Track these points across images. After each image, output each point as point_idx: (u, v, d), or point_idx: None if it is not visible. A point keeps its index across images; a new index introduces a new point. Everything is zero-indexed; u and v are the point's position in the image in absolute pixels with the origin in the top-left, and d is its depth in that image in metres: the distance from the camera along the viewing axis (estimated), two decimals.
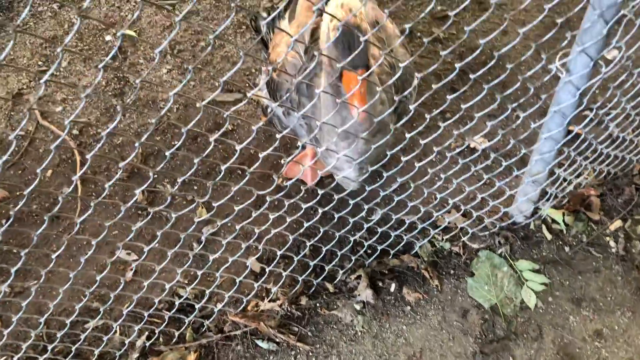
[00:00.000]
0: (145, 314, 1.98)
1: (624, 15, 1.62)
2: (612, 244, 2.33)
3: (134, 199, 1.60)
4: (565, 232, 2.35)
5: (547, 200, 2.30)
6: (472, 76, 1.51)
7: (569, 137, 1.97)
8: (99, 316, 2.03)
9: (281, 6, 1.98)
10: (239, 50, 2.84)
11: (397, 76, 1.50)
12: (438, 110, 1.67)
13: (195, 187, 2.48)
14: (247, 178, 1.53)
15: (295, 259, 2.09)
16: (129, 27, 2.98)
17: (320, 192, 1.80)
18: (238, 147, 1.41)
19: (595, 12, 1.53)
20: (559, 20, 1.51)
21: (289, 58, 1.96)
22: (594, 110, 1.99)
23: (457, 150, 2.44)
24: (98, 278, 1.73)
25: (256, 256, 2.25)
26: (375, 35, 1.95)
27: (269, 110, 2.12)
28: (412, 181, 1.91)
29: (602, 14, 1.52)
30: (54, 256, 1.53)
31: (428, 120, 1.60)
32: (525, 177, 2.17)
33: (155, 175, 2.45)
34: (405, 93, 1.67)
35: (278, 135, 1.48)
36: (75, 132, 2.63)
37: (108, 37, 2.93)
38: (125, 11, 3.02)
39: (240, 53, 1.14)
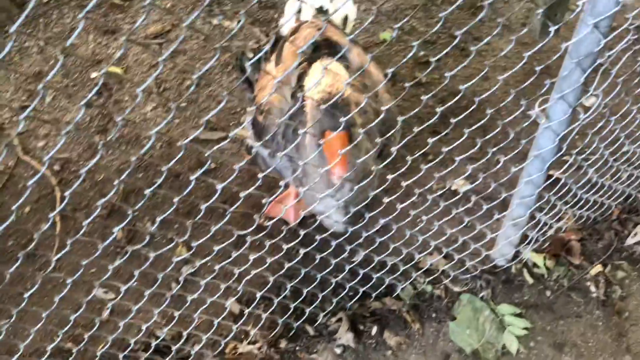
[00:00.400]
0: (120, 356, 1.93)
1: (601, 64, 1.67)
2: (592, 289, 2.33)
3: (112, 237, 1.58)
4: (546, 276, 2.35)
5: (528, 244, 2.30)
6: (453, 120, 1.53)
7: (549, 181, 1.99)
8: (72, 357, 1.97)
9: (267, 47, 2.01)
10: (224, 89, 2.87)
11: (379, 119, 1.51)
12: (420, 153, 1.69)
13: (176, 226, 2.46)
14: (227, 217, 1.52)
15: (275, 300, 2.06)
16: (116, 65, 2.99)
17: (302, 232, 1.79)
18: (219, 187, 1.41)
19: (572, 60, 1.57)
20: (538, 68, 1.54)
21: (275, 102, 1.97)
22: (573, 156, 2.03)
23: (439, 192, 2.45)
24: (72, 318, 1.69)
25: (235, 297, 2.22)
26: (360, 81, 1.98)
27: (253, 150, 2.13)
28: (394, 222, 1.91)
29: (580, 62, 1.56)
30: (27, 295, 1.49)
31: (410, 162, 1.61)
32: (506, 220, 2.18)
33: (135, 214, 2.43)
34: (388, 135, 1.68)
35: (260, 175, 1.48)
36: (56, 168, 2.61)
37: (94, 74, 2.94)
38: (112, 49, 3.04)
39: (224, 93, 1.15)
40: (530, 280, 2.34)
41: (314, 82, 1.59)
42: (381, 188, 1.73)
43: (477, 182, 1.93)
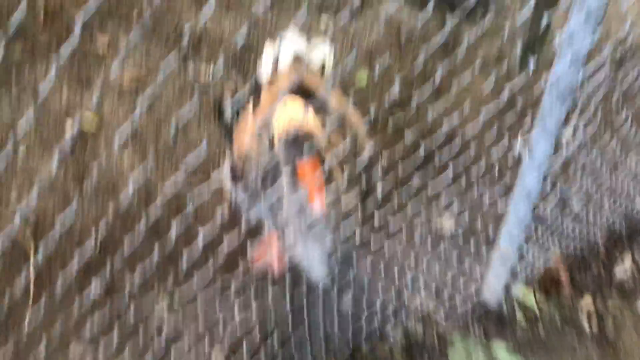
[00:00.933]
0: None
1: (580, 98, 1.68)
2: (585, 322, 2.30)
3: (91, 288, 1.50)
4: (538, 311, 2.32)
5: (518, 279, 2.27)
6: (436, 157, 1.51)
7: (535, 215, 1.98)
8: None
9: (245, 91, 1.99)
10: (203, 134, 2.84)
11: (356, 149, 1.49)
12: (404, 189, 1.66)
13: (157, 274, 2.38)
14: (210, 263, 1.46)
15: (262, 350, 1.98)
16: (90, 114, 2.96)
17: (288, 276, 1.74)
18: (201, 230, 1.36)
19: (552, 94, 1.57)
20: (519, 102, 1.55)
21: (253, 152, 1.93)
22: (557, 188, 2.03)
23: (425, 229, 2.42)
24: None
25: (220, 345, 2.13)
26: (340, 132, 1.96)
27: (232, 197, 2.08)
28: (382, 261, 1.87)
29: (559, 95, 1.57)
30: None
31: (395, 199, 1.58)
32: (494, 256, 2.15)
33: (114, 265, 2.35)
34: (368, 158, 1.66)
35: (244, 217, 1.44)
36: (31, 219, 2.53)
37: (69, 124, 2.89)
38: (87, 99, 3.01)
39: (204, 134, 1.11)
40: (521, 316, 2.30)
41: (276, 121, 1.59)
42: (366, 225, 1.70)
43: (463, 218, 1.91)
